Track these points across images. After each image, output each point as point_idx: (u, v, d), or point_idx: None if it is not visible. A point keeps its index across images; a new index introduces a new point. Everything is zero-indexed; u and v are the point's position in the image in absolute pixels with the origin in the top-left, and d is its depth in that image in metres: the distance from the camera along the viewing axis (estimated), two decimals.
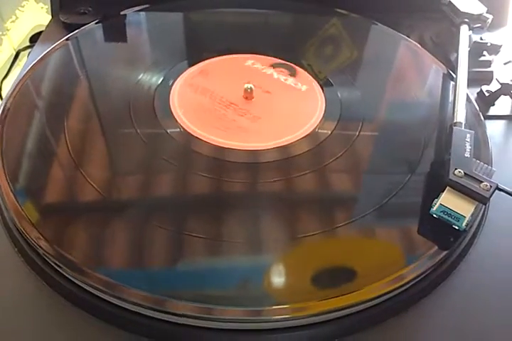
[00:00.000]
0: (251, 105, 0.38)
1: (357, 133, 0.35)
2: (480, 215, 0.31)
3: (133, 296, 0.25)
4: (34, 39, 0.48)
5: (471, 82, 0.37)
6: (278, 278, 0.27)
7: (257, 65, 0.40)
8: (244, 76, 0.40)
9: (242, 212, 0.30)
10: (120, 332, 0.26)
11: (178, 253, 0.28)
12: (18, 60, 0.51)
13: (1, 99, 0.53)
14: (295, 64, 0.41)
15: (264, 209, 0.30)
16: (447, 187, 0.28)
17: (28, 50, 0.48)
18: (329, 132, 0.35)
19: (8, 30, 0.60)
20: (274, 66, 0.41)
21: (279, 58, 0.42)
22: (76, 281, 0.26)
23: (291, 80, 0.39)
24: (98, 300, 0.26)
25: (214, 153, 0.33)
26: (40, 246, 0.27)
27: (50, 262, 0.27)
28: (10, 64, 0.51)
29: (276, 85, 0.39)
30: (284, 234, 0.29)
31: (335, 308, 0.25)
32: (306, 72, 0.41)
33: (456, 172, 0.28)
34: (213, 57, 0.42)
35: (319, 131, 0.35)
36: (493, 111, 0.40)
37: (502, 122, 0.40)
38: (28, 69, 0.39)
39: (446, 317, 0.27)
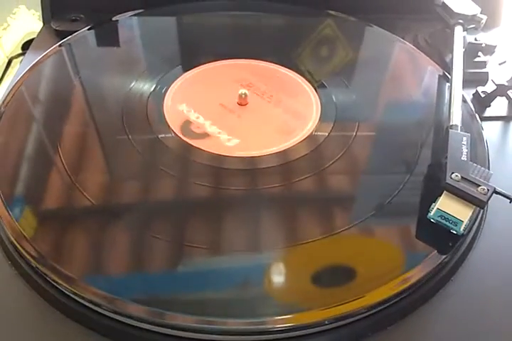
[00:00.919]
0: (246, 111, 0.37)
1: (353, 137, 0.35)
2: (478, 219, 0.30)
3: (128, 309, 0.24)
4: (26, 46, 0.48)
5: (467, 83, 0.37)
6: (279, 287, 0.27)
7: None
8: (238, 81, 0.39)
9: (242, 219, 0.30)
10: None
11: (174, 264, 0.27)
12: (10, 68, 0.51)
13: None
14: (289, 68, 0.41)
15: (264, 216, 0.30)
16: (444, 192, 0.28)
17: (21, 58, 0.48)
18: (325, 136, 0.35)
19: (0, 37, 0.59)
20: None
21: (274, 62, 0.42)
22: (70, 294, 0.26)
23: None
24: (93, 313, 0.25)
25: (210, 160, 0.33)
26: (32, 257, 0.26)
27: (42, 275, 0.27)
28: (2, 71, 0.51)
29: (271, 87, 0.39)
30: (285, 241, 0.28)
31: (335, 317, 0.25)
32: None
33: (453, 176, 0.28)
34: (208, 62, 0.41)
35: (316, 133, 0.35)
36: (489, 112, 0.40)
37: (498, 123, 0.39)
38: (20, 76, 0.39)
39: (447, 323, 0.27)
